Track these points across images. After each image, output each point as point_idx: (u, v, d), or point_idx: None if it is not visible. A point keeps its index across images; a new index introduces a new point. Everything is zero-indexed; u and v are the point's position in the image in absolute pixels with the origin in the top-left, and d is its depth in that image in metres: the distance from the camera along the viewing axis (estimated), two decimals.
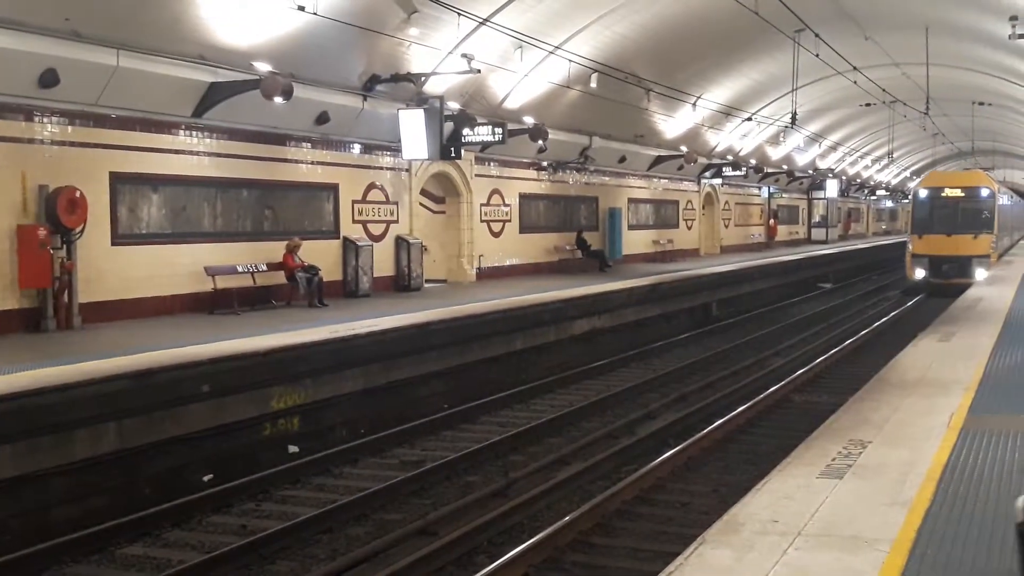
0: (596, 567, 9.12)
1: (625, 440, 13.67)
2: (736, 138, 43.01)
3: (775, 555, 5.24)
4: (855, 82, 34.97)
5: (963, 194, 33.29)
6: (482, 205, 27.92)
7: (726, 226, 46.68)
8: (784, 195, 54.48)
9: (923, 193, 33.94)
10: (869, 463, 7.13)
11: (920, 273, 33.08)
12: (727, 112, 37.77)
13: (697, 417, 15.23)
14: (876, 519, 5.83)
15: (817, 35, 26.55)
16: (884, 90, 37.51)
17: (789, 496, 6.34)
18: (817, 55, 28.27)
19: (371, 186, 23.51)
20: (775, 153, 48.68)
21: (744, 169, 42.99)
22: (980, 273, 31.43)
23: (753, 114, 39.91)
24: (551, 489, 11.18)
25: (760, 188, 50.70)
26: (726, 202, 46.43)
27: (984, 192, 33.35)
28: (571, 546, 9.51)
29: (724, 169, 42.31)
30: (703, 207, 43.87)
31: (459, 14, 19.46)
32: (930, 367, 11.48)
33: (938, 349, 13.04)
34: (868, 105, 41.55)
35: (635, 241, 36.89)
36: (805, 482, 6.66)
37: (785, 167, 50.87)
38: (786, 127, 39.38)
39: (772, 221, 52.35)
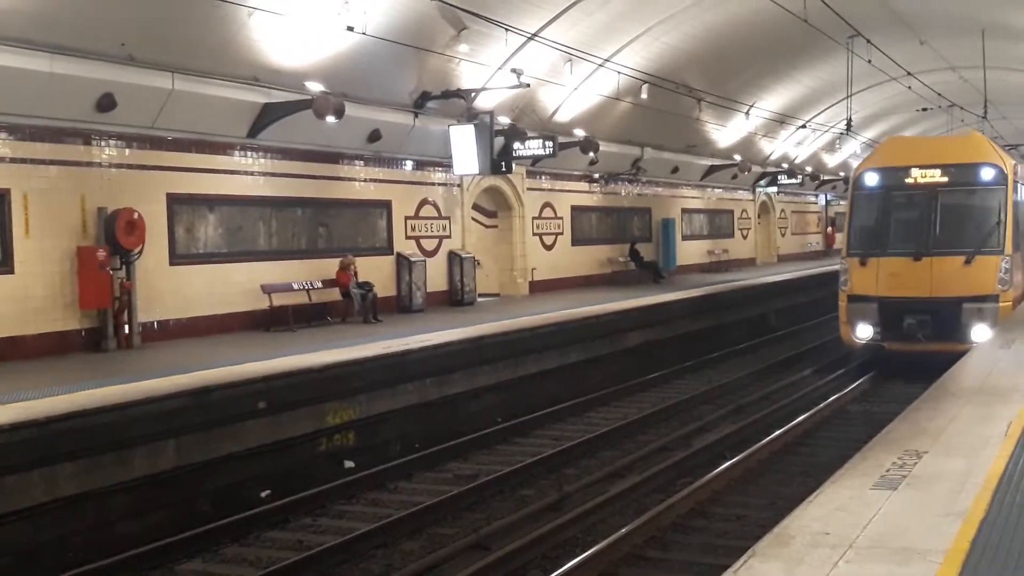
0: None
1: (680, 452, 13.59)
2: (791, 146, 42.63)
3: (825, 568, 5.19)
4: (910, 87, 34.51)
5: (946, 178, 18.38)
6: (534, 218, 27.95)
7: (782, 234, 46.28)
8: (842, 202, 53.87)
9: (871, 180, 18.99)
10: (924, 473, 7.03)
11: (864, 332, 18.42)
12: (781, 120, 37.46)
13: (753, 429, 15.11)
14: (929, 530, 5.75)
15: (869, 41, 26.26)
16: (940, 94, 36.96)
17: (841, 508, 6.27)
18: (870, 61, 27.97)
19: (423, 202, 23.66)
20: (831, 160, 48.17)
21: (799, 177, 42.59)
22: (980, 331, 17.11)
23: (807, 121, 39.54)
24: (605, 503, 11.15)
25: (817, 196, 50.19)
26: (782, 210, 46.03)
27: (987, 173, 18.28)
28: (625, 560, 9.48)
29: (779, 177, 41.96)
30: (758, 216, 43.53)
31: (507, 30, 19.54)
32: (989, 374, 11.29)
33: (998, 356, 12.82)
34: (924, 110, 40.93)
35: (689, 251, 36.69)
36: (858, 493, 6.58)
37: (842, 174, 50.33)
38: (842, 133, 38.92)
39: (830, 229, 51.77)
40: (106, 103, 15.72)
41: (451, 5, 18.37)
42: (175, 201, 17.57)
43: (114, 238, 16.07)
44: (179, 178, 17.59)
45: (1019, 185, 19.59)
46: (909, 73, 32.39)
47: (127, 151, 16.67)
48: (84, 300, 15.81)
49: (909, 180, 18.58)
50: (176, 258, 17.63)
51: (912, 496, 6.48)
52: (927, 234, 18.24)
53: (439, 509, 11.31)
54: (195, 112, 17.22)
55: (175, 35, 16.23)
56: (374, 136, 21.33)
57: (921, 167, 18.51)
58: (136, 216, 16.39)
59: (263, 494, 12.35)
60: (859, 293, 18.51)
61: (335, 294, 20.54)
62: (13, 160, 15.02)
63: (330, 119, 18.41)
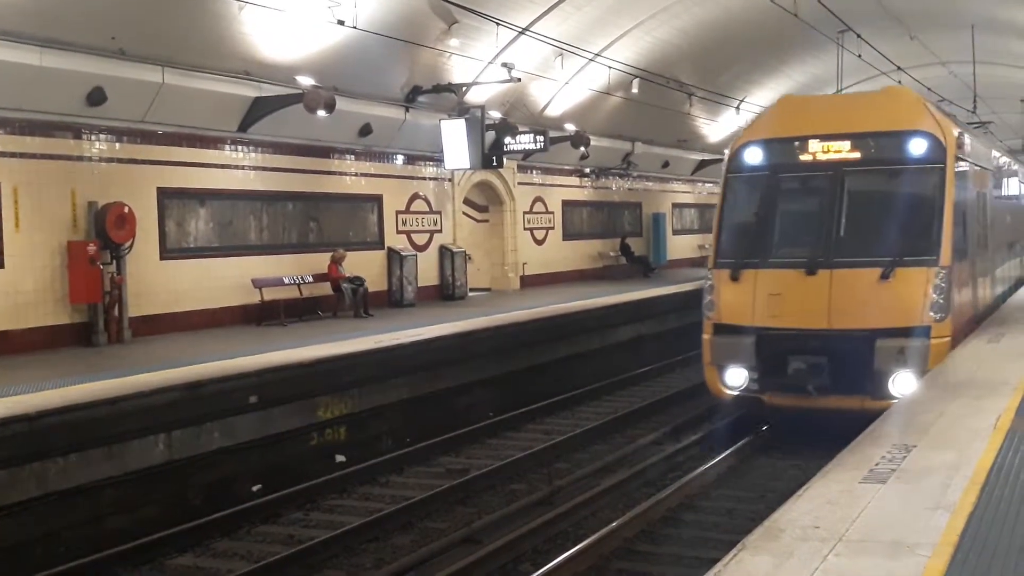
0: (640, 574, 9.11)
1: (670, 446, 13.63)
2: None
3: (815, 561, 5.22)
4: (899, 82, 34.57)
5: (857, 153, 13.09)
6: (525, 213, 27.97)
7: None
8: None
9: (751, 157, 13.59)
10: (913, 467, 7.07)
11: (736, 378, 13.11)
12: None
13: (744, 422, 15.12)
14: (918, 524, 5.78)
15: (860, 36, 26.31)
16: (930, 89, 36.94)
17: (831, 501, 6.30)
18: (860, 56, 28.02)
19: (414, 196, 23.65)
20: None
21: None
22: (903, 382, 12.01)
23: None
24: (596, 496, 11.18)
25: None
26: None
27: (918, 145, 12.82)
28: (616, 553, 9.51)
29: None
30: None
31: (498, 24, 19.54)
32: (979, 368, 11.33)
33: (987, 350, 12.86)
34: None
35: (680, 246, 36.74)
36: (848, 487, 6.61)
37: None
38: None
39: None
40: (96, 97, 15.67)
41: None
42: (166, 195, 17.53)
43: (104, 232, 16.04)
44: (170, 172, 17.55)
45: (967, 163, 13.59)
46: (899, 68, 32.45)
47: (117, 145, 16.63)
48: (74, 294, 15.78)
49: (805, 157, 13.00)
50: (167, 252, 17.60)
51: (901, 489, 6.51)
52: (827, 236, 12.59)
53: (430, 503, 11.33)
54: (186, 106, 17.18)
55: (166, 29, 16.19)
56: (365, 130, 21.31)
57: (822, 138, 12.90)
58: (126, 210, 16.35)
59: (254, 488, 12.35)
60: (729, 321, 12.82)
61: (326, 288, 20.52)
62: (2, 154, 14.97)
63: (321, 113, 18.39)
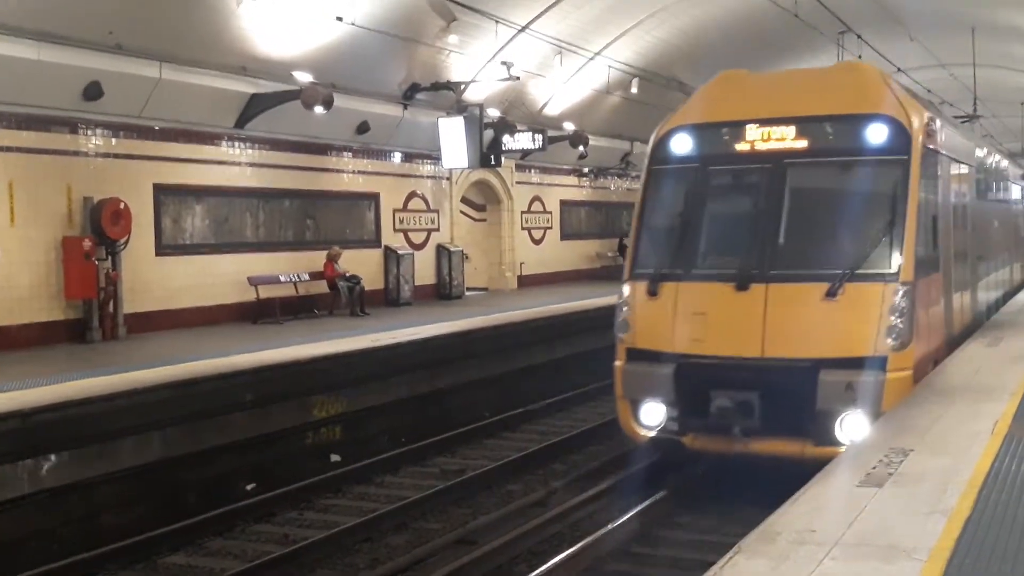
0: None
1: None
2: None
3: (811, 565, 5.17)
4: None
5: (804, 141, 10.64)
6: (523, 212, 27.94)
7: None
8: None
9: (678, 146, 11.26)
10: (910, 471, 7.02)
11: (653, 416, 10.66)
12: None
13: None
14: (915, 528, 5.74)
15: (860, 37, 26.30)
16: (930, 91, 36.98)
17: (827, 505, 6.26)
18: (860, 57, 27.98)
19: (412, 195, 23.61)
20: None
21: None
22: (852, 425, 9.75)
23: None
24: (592, 498, 11.12)
25: None
26: None
27: (877, 132, 10.40)
28: (612, 555, 9.46)
29: None
30: None
31: (497, 22, 19.52)
32: (977, 372, 11.28)
33: (985, 354, 12.82)
34: None
35: None
36: (844, 491, 6.57)
37: None
38: None
39: None
40: (93, 92, 15.62)
41: None
42: (162, 191, 17.49)
43: (100, 228, 15.99)
44: (166, 168, 17.51)
45: (939, 156, 11.57)
46: (899, 69, 32.41)
47: (113, 140, 16.58)
48: (69, 290, 15.73)
49: (741, 146, 10.79)
50: (162, 249, 17.55)
51: (898, 494, 6.47)
52: (763, 243, 10.39)
53: (425, 503, 11.28)
54: (182, 102, 17.13)
55: (163, 24, 16.14)
56: (363, 128, 21.26)
57: (761, 123, 10.70)
58: (122, 206, 16.30)
59: (248, 487, 12.31)
60: (645, 346, 10.58)
61: (322, 286, 20.48)
62: None
63: (318, 110, 18.35)
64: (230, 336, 16.55)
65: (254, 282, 18.86)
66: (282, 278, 19.59)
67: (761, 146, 10.71)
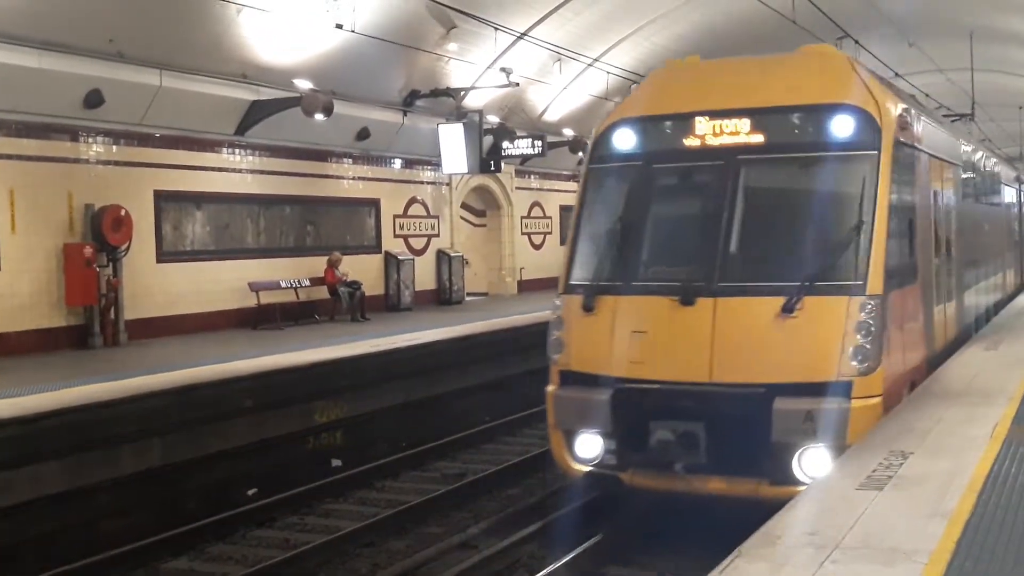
0: None
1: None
2: None
3: (811, 568, 5.19)
4: None
5: (760, 136, 9.43)
6: (523, 218, 27.99)
7: None
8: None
9: (621, 142, 9.99)
10: (910, 474, 7.04)
11: (589, 448, 9.36)
12: None
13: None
14: (915, 531, 5.75)
15: (858, 42, 26.33)
16: (928, 96, 37.07)
17: (827, 508, 6.27)
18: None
19: (412, 200, 23.65)
20: None
21: None
22: (813, 460, 8.54)
23: None
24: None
25: None
26: None
27: (842, 125, 9.25)
28: (612, 559, 9.47)
29: None
30: None
31: (497, 29, 19.56)
32: (976, 376, 11.30)
33: (984, 358, 12.84)
34: None
35: None
36: (844, 494, 6.58)
37: None
38: None
39: None
40: (94, 99, 15.66)
41: (440, 4, 18.36)
42: (162, 198, 17.52)
43: (101, 235, 16.02)
44: (166, 175, 17.54)
45: (917, 152, 10.51)
46: (897, 75, 32.43)
47: (114, 148, 16.61)
48: (70, 297, 15.75)
49: (690, 141, 9.63)
50: (163, 255, 17.58)
51: (898, 497, 6.48)
52: (712, 251, 9.21)
53: (426, 508, 11.29)
54: (183, 109, 17.17)
55: (163, 31, 16.19)
56: (363, 134, 21.30)
57: (713, 115, 9.56)
58: (123, 213, 16.34)
59: (249, 492, 12.32)
60: (580, 369, 9.41)
61: (323, 292, 20.51)
62: (0, 156, 14.94)
63: (319, 117, 18.39)
64: (231, 342, 16.57)
65: (255, 288, 18.89)
66: (283, 284, 19.62)
67: (712, 141, 9.53)
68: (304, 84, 18.64)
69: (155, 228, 17.41)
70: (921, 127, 10.86)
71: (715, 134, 9.51)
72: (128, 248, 16.54)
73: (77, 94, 15.51)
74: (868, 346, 8.62)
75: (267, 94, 18.47)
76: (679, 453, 8.72)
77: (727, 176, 9.36)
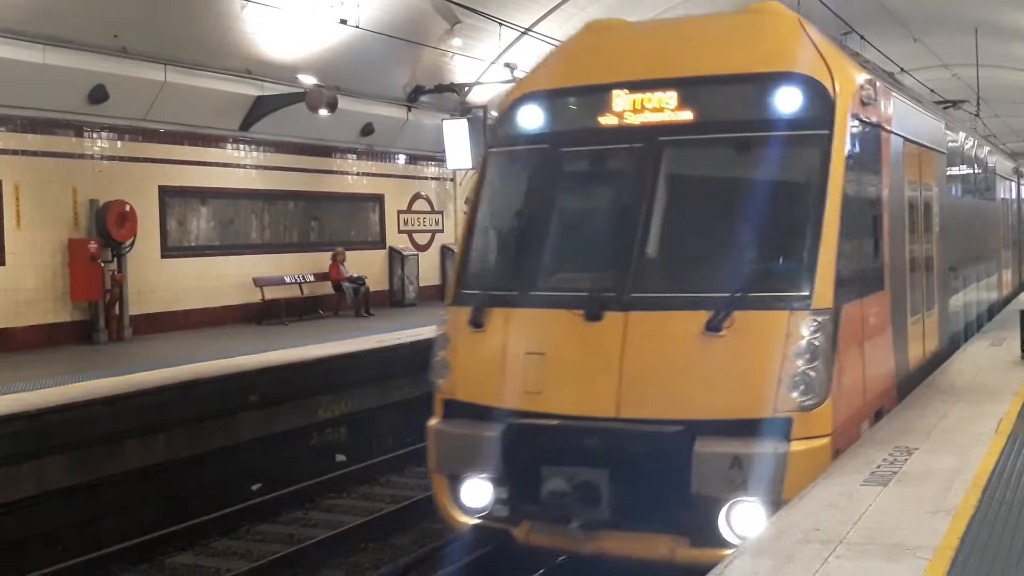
0: None
1: None
2: None
3: (816, 564, 5.19)
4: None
5: (688, 113, 7.71)
6: None
7: None
8: None
9: (526, 120, 8.25)
10: (914, 470, 7.03)
11: (476, 497, 7.66)
12: None
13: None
14: (919, 527, 5.75)
15: (863, 37, 26.29)
16: (933, 91, 37.01)
17: (832, 504, 6.27)
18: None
19: (416, 196, 23.65)
20: None
21: None
22: (743, 516, 6.87)
23: None
24: None
25: None
26: None
27: (788, 99, 7.50)
28: None
29: None
30: None
31: (501, 24, 19.55)
32: (980, 372, 11.29)
33: (989, 354, 12.83)
34: None
35: None
36: (848, 490, 6.58)
37: None
38: None
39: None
40: (98, 95, 15.67)
41: None
42: (167, 193, 17.53)
43: (106, 230, 16.04)
44: (171, 170, 17.55)
45: (885, 135, 8.85)
46: (903, 70, 32.39)
47: (119, 143, 16.62)
48: (75, 292, 15.77)
49: (606, 120, 7.98)
50: (168, 251, 17.59)
51: (902, 492, 6.48)
52: (625, 253, 7.62)
53: (430, 503, 11.27)
54: (187, 104, 17.17)
55: (167, 27, 16.19)
56: (367, 130, 21.30)
57: (634, 87, 7.91)
58: (128, 208, 16.35)
59: (254, 487, 12.34)
60: (467, 398, 7.87)
61: (327, 287, 20.51)
62: (4, 151, 14.96)
63: (323, 112, 18.39)
64: (235, 337, 16.58)
65: (259, 283, 18.91)
66: (287, 279, 19.63)
67: (633, 119, 7.85)
68: (308, 80, 18.64)
69: (160, 223, 17.42)
70: (893, 105, 9.30)
71: (636, 110, 7.86)
72: (133, 243, 16.56)
73: (82, 90, 15.52)
74: (813, 373, 6.97)
75: (271, 90, 18.46)
76: (576, 507, 7.04)
77: (647, 162, 7.74)
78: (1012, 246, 19.96)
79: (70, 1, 14.65)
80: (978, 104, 34.99)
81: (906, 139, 9.70)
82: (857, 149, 7.88)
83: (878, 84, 8.57)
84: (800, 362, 6.99)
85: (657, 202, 7.66)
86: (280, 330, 17.85)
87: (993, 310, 16.34)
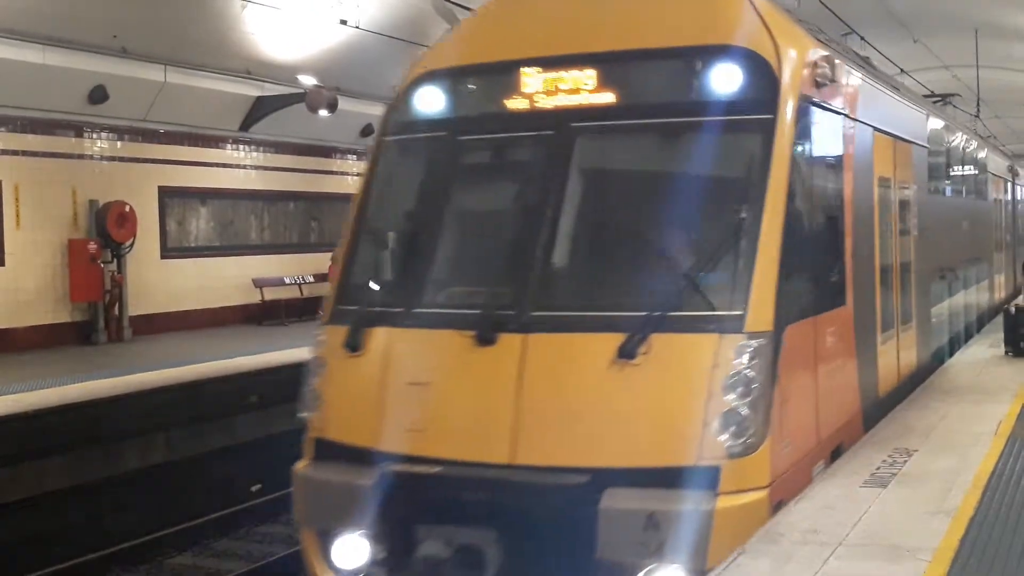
0: None
1: None
2: None
3: (815, 565, 5.18)
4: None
5: (610, 92, 6.47)
6: None
7: None
8: None
9: (425, 103, 6.99)
10: (914, 471, 7.03)
11: (351, 557, 6.15)
12: None
13: None
14: (919, 528, 5.75)
15: (863, 38, 26.29)
16: (933, 92, 37.05)
17: (831, 505, 6.26)
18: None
19: None
20: None
21: None
22: None
23: None
24: None
25: None
26: None
27: (724, 75, 6.27)
28: None
29: None
30: None
31: None
32: (980, 373, 11.29)
33: (989, 355, 12.83)
34: None
35: None
36: (848, 491, 6.57)
37: None
38: None
39: None
40: (98, 95, 15.67)
41: None
42: (167, 194, 17.53)
43: (105, 231, 16.04)
44: (171, 171, 17.55)
45: (848, 122, 7.71)
46: (903, 71, 32.37)
47: (119, 143, 16.62)
48: (75, 293, 15.76)
49: (514, 103, 6.78)
50: (167, 251, 17.59)
51: (902, 494, 6.47)
52: (526, 263, 6.40)
53: None
54: (187, 105, 17.17)
55: (167, 28, 16.18)
56: (367, 130, 21.28)
57: (547, 64, 6.72)
58: (127, 209, 16.35)
59: (254, 488, 12.32)
60: (339, 437, 6.54)
61: (327, 288, 20.49)
62: (4, 152, 14.96)
63: (323, 113, 18.38)
64: (235, 338, 16.58)
65: (259, 284, 18.90)
66: (287, 280, 19.63)
67: (544, 102, 6.66)
68: (308, 80, 18.63)
69: (159, 224, 17.42)
70: (860, 90, 8.19)
71: (548, 92, 6.65)
72: (132, 244, 16.56)
73: (81, 90, 15.52)
74: (746, 411, 5.77)
75: (271, 90, 18.46)
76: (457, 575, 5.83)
77: (556, 153, 6.55)
78: (1006, 249, 18.92)
79: (70, 2, 14.65)
80: (978, 105, 35.00)
81: (877, 129, 8.64)
82: (809, 138, 6.72)
83: (838, 63, 7.34)
84: (730, 397, 5.77)
85: (567, 201, 6.44)
86: (280, 331, 17.84)
87: (984, 319, 15.24)
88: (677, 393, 5.87)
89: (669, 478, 5.70)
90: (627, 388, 5.87)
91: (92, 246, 15.76)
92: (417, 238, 6.88)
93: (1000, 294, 17.60)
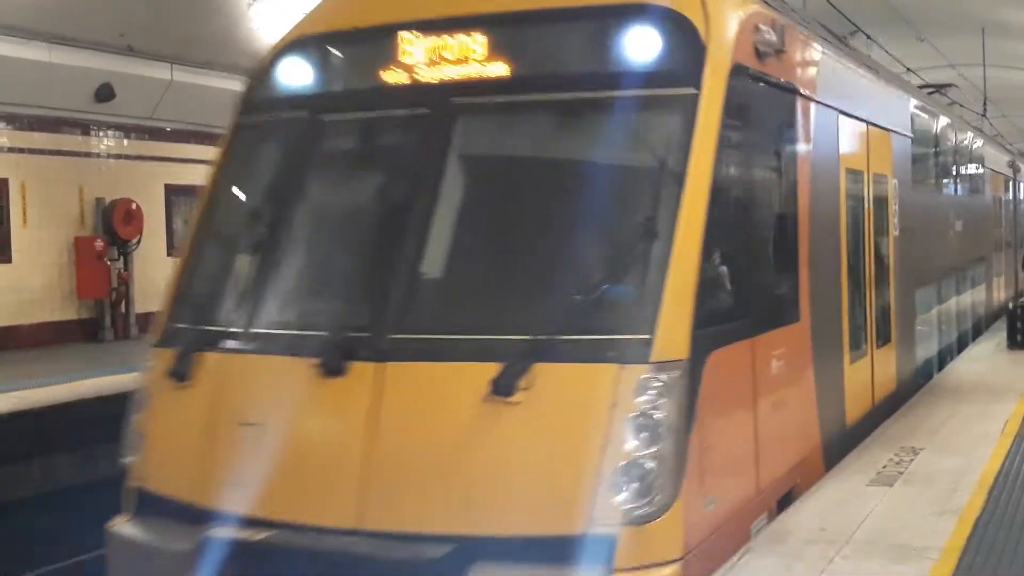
0: None
1: None
2: None
3: (821, 564, 5.19)
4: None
5: (503, 62, 5.31)
6: None
7: None
8: None
9: (290, 76, 5.99)
10: (920, 470, 7.03)
11: None
12: None
13: None
14: (925, 527, 5.75)
15: (869, 37, 26.27)
16: (928, 83, 36.98)
17: (838, 504, 6.27)
18: (870, 56, 27.97)
19: None
20: None
21: None
22: None
23: None
24: None
25: None
26: None
27: (637, 39, 5.08)
28: None
29: None
30: None
31: None
32: (987, 373, 11.29)
33: (996, 355, 12.83)
34: None
35: None
36: (855, 490, 6.58)
37: None
38: None
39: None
40: (104, 93, 15.69)
41: None
42: (173, 192, 17.56)
43: (112, 228, 16.07)
44: (178, 169, 17.57)
45: (801, 101, 6.56)
46: (909, 69, 32.31)
47: (125, 141, 16.65)
48: (81, 290, 15.80)
49: (389, 76, 5.65)
50: (174, 249, 17.60)
51: (908, 493, 6.48)
52: (386, 274, 5.23)
53: None
54: (194, 103, 17.17)
55: (174, 26, 16.19)
56: None
57: (427, 28, 5.57)
58: (134, 207, 16.38)
59: None
60: (159, 489, 5.41)
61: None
62: (11, 150, 14.99)
63: None
64: None
65: None
66: None
67: (424, 74, 5.55)
68: None
69: (166, 222, 17.45)
70: (821, 66, 7.05)
71: (429, 62, 5.54)
72: (139, 242, 16.59)
73: (88, 88, 15.54)
74: (652, 463, 4.63)
75: None
76: None
77: (432, 137, 5.46)
78: (1006, 249, 17.89)
79: (76, 0, 14.67)
80: (984, 104, 34.95)
81: (845, 114, 7.56)
82: (746, 119, 5.55)
83: (787, 30, 6.12)
84: (632, 445, 4.61)
85: (443, 197, 5.33)
86: None
87: (981, 326, 14.25)
88: (564, 440, 4.69)
89: (553, 551, 4.53)
90: (502, 434, 4.72)
91: (99, 244, 15.79)
92: (265, 242, 5.70)
93: (1000, 297, 16.61)
